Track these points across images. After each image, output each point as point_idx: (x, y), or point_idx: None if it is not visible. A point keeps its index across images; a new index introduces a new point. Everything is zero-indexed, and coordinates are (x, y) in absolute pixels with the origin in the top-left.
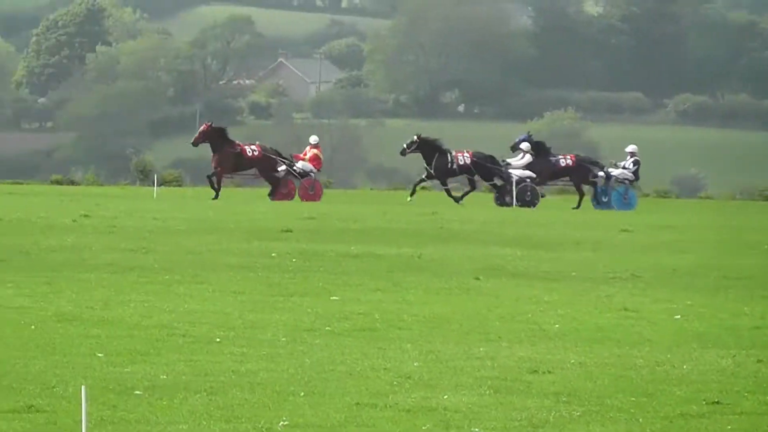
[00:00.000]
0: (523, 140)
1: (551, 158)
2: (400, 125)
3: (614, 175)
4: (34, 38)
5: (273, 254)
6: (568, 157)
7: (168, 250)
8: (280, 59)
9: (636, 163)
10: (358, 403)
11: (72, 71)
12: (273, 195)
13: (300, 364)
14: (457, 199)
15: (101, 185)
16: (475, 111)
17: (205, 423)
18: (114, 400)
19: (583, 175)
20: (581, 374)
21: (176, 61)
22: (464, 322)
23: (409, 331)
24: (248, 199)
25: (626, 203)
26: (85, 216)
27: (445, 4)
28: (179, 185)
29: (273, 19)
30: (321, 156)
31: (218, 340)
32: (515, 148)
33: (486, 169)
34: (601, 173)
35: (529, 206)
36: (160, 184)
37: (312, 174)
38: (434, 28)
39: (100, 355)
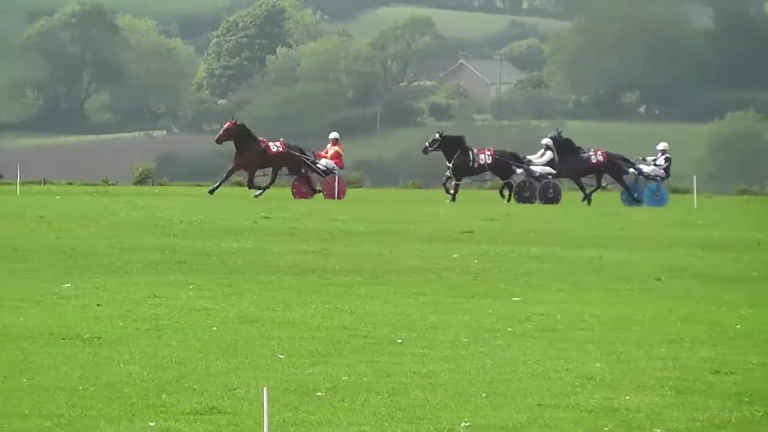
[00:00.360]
0: (552, 136)
1: (582, 155)
2: (580, 126)
3: (646, 172)
4: (214, 40)
5: (454, 255)
6: (599, 153)
7: (349, 252)
8: (460, 61)
9: (667, 160)
10: (539, 404)
11: (252, 73)
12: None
13: (481, 365)
14: (453, 197)
15: (282, 187)
16: (656, 112)
17: (386, 424)
18: (295, 402)
19: (617, 171)
20: (763, 375)
21: (356, 62)
22: (645, 322)
23: (591, 332)
24: (430, 200)
25: (658, 200)
26: (266, 218)
27: (625, 4)
28: (359, 187)
29: (453, 20)
30: (342, 153)
31: (399, 341)
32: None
33: (506, 168)
34: (632, 170)
35: (552, 203)
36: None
37: (335, 171)
38: (614, 29)
39: (281, 356)
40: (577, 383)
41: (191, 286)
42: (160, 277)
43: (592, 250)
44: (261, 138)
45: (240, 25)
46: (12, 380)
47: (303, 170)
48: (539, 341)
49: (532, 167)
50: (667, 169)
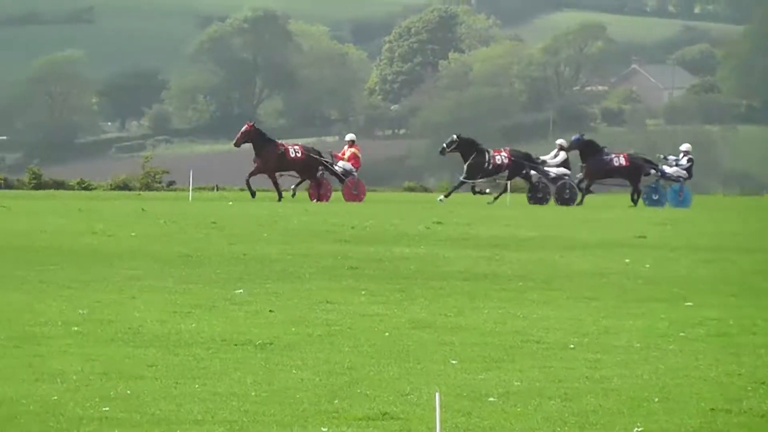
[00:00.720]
0: (576, 140)
1: (605, 157)
2: (753, 131)
3: (669, 173)
4: (386, 45)
5: (626, 260)
6: (621, 156)
7: (520, 258)
8: (633, 65)
9: (690, 161)
10: (712, 409)
11: (424, 78)
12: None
13: (654, 370)
14: (448, 195)
15: (393, 191)
16: None
17: (559, 429)
18: (468, 407)
19: (635, 175)
20: None
21: (529, 67)
22: None
23: (764, 336)
24: (601, 206)
25: (681, 201)
26: (438, 223)
27: None
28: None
29: (625, 25)
30: (359, 154)
31: (572, 346)
32: (570, 149)
33: (520, 168)
34: (653, 171)
35: (567, 204)
36: (510, 191)
37: (354, 174)
38: None
39: (453, 361)
40: (749, 387)
41: (363, 292)
42: (332, 283)
43: (765, 254)
44: (280, 142)
45: (412, 30)
46: (185, 386)
47: (320, 173)
48: (711, 346)
49: (546, 168)
50: (689, 170)
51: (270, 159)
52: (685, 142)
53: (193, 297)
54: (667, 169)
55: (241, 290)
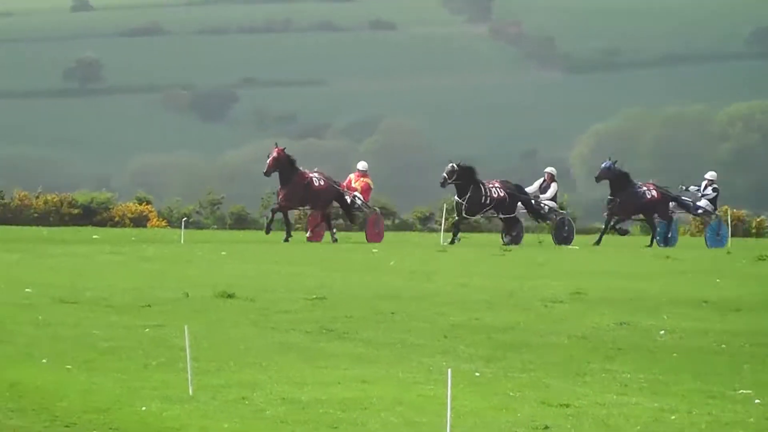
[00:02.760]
0: (606, 168)
1: (637, 190)
2: None
3: (702, 207)
4: None
5: None
6: (652, 188)
7: None
8: None
9: (715, 191)
10: None
11: None
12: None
13: None
14: (455, 238)
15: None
16: None
17: None
18: None
19: (664, 209)
20: None
21: None
22: None
23: None
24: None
25: (719, 240)
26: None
27: None
28: None
29: None
30: (372, 186)
31: None
32: (600, 179)
33: (514, 203)
34: (679, 211)
35: (566, 243)
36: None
37: (376, 210)
38: None
39: None
40: None
41: None
42: None
43: None
44: (303, 170)
45: None
46: None
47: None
48: None
49: (543, 203)
50: (714, 201)
51: (295, 191)
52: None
53: None
54: (699, 202)
55: None
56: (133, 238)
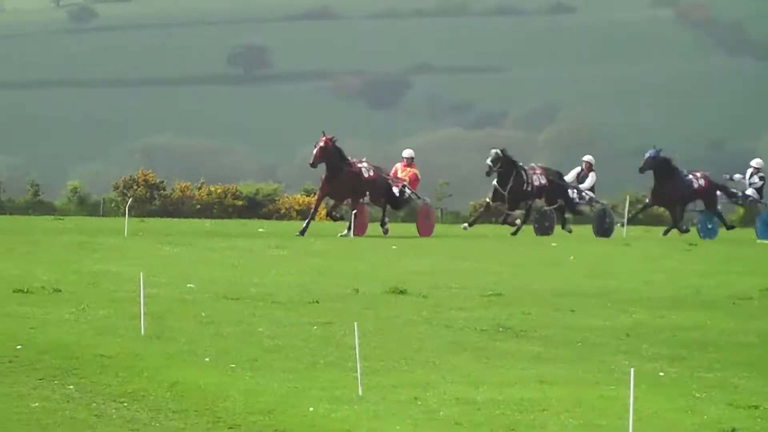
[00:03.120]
0: (651, 157)
1: (684, 178)
2: None
3: (750, 195)
4: None
5: None
6: (700, 177)
7: None
8: None
9: (762, 179)
10: None
11: None
12: (351, 227)
13: None
14: (517, 230)
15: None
16: None
17: None
18: None
19: (712, 199)
20: None
21: None
22: None
23: None
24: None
25: None
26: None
27: None
28: None
29: None
30: (419, 176)
31: None
32: (644, 169)
33: (559, 192)
34: (725, 199)
35: (606, 235)
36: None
37: (427, 200)
38: None
39: None
40: None
41: None
42: None
43: None
44: (351, 159)
45: None
46: None
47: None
48: None
49: (585, 192)
50: (760, 191)
51: (345, 183)
52: (757, 157)
53: None
54: (748, 191)
55: None
56: (296, 233)
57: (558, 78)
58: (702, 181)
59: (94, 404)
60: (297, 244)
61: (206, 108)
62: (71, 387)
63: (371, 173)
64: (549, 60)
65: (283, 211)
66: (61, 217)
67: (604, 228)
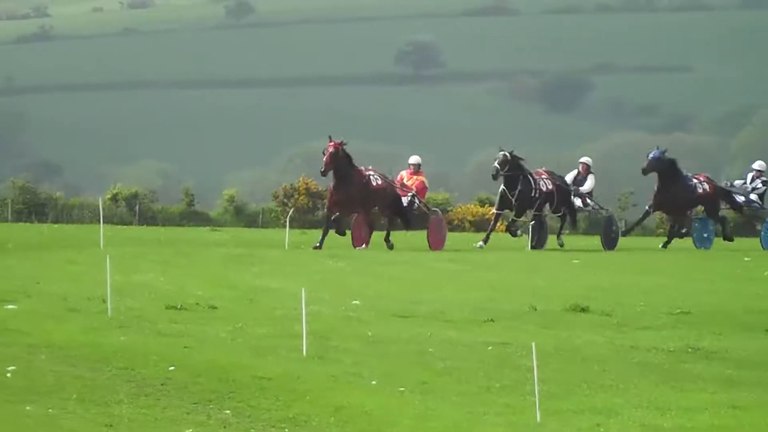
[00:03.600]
0: (655, 158)
1: (688, 183)
2: None
3: (755, 201)
4: None
5: None
6: (704, 181)
7: None
8: None
9: (765, 183)
10: None
11: None
12: (356, 237)
13: None
14: (530, 238)
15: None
16: None
17: None
18: None
19: (714, 206)
20: None
21: None
22: None
23: None
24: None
25: None
26: None
27: None
28: None
29: None
30: (427, 185)
31: None
32: (648, 171)
33: (565, 198)
34: (741, 197)
35: (611, 247)
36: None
37: (438, 211)
38: None
39: None
40: None
41: None
42: None
43: None
44: (359, 167)
45: None
46: None
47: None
48: None
49: (588, 198)
50: (762, 196)
51: (354, 192)
52: (759, 160)
53: None
54: (752, 196)
55: None
56: (472, 245)
57: (753, 76)
58: (706, 186)
59: (253, 430)
60: (469, 258)
61: (371, 107)
62: (228, 411)
63: (379, 182)
64: (743, 57)
65: (455, 221)
66: (217, 229)
67: (611, 237)
